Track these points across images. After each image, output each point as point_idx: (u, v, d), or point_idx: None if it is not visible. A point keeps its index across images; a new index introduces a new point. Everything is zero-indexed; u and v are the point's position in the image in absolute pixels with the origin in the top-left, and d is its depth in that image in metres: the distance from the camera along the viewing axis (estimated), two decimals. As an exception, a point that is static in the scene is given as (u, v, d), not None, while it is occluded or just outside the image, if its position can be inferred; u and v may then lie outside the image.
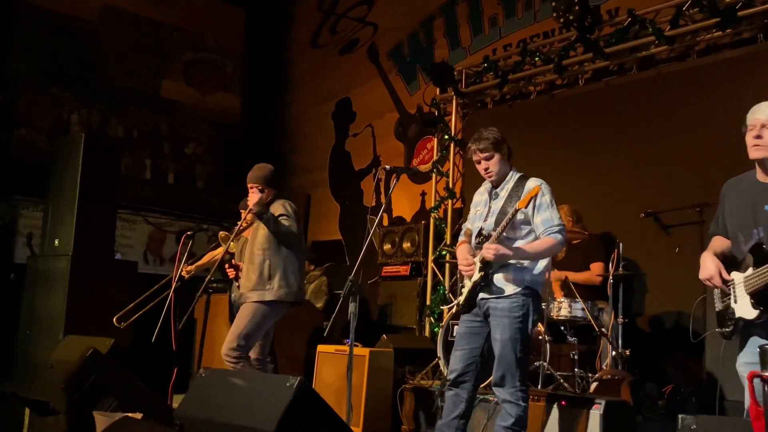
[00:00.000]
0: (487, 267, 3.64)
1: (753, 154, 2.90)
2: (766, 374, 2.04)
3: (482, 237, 3.70)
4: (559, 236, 3.61)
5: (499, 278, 3.66)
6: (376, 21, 9.05)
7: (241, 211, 5.59)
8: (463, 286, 3.84)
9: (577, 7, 5.90)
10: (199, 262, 5.67)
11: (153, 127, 9.56)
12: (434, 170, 7.41)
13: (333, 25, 9.68)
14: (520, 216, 3.61)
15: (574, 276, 5.43)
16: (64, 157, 6.30)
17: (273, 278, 4.60)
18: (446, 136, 7.37)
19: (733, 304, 2.87)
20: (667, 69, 5.88)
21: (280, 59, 10.41)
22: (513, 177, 3.80)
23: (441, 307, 6.77)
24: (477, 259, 3.69)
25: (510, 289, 3.64)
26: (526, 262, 3.66)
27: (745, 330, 2.86)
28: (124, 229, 8.80)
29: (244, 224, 5.13)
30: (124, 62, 9.28)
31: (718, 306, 2.99)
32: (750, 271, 2.79)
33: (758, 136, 2.86)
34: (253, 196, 4.65)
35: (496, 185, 3.84)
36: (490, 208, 3.80)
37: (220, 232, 5.50)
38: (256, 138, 10.04)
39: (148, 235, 9.14)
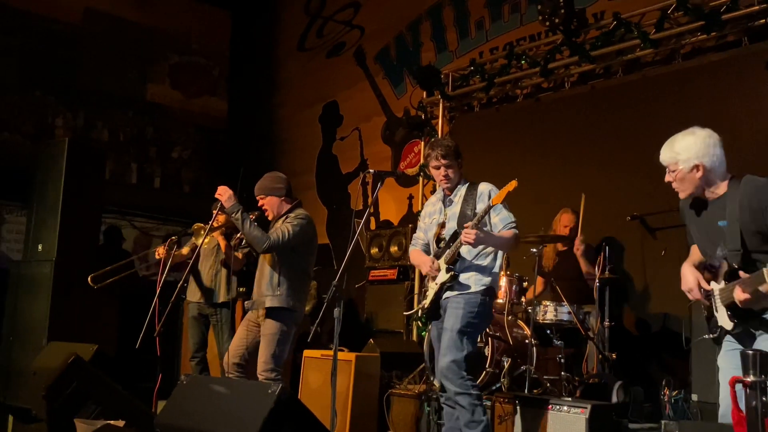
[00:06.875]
0: (454, 265, 3.81)
1: (680, 196, 3.02)
2: (749, 379, 2.02)
3: (443, 242, 3.92)
4: (516, 231, 3.85)
5: (462, 277, 3.84)
6: (363, 24, 9.03)
7: (214, 211, 5.51)
8: (426, 290, 3.96)
9: (562, 11, 5.90)
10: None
11: (139, 130, 9.50)
12: (421, 173, 7.39)
13: (320, 29, 9.65)
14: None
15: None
16: (48, 162, 6.26)
17: (281, 286, 4.47)
18: (433, 140, 7.35)
19: (715, 313, 2.91)
20: (652, 72, 5.89)
21: (267, 63, 10.37)
22: (464, 183, 4.02)
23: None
24: (442, 261, 3.85)
25: (473, 287, 3.81)
26: (485, 262, 3.86)
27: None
28: (110, 234, 8.75)
29: (215, 224, 5.15)
30: (109, 65, 9.21)
31: (705, 313, 3.01)
32: (723, 284, 2.83)
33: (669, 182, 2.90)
34: (224, 192, 4.54)
35: (449, 192, 4.02)
36: (446, 215, 3.98)
37: (195, 224, 5.45)
38: (242, 142, 9.99)
39: (134, 240, 9.09)
